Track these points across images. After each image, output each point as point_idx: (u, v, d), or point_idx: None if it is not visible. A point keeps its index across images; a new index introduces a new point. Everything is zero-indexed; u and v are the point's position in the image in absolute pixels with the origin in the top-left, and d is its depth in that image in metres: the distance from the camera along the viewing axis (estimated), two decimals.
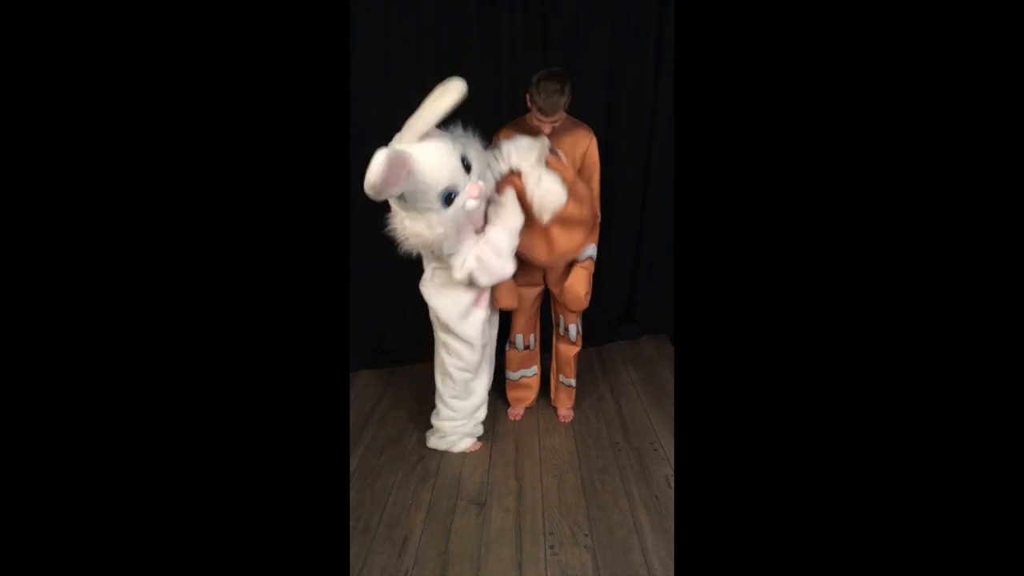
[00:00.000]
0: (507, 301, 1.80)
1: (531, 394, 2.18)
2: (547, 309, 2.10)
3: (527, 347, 2.08)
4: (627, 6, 2.35)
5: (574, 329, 2.02)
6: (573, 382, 2.13)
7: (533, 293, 1.97)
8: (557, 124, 1.68)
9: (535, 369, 2.15)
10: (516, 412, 2.17)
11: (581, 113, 2.47)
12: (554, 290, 1.96)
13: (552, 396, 2.20)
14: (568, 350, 2.07)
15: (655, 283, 2.84)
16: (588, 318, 2.83)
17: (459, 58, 2.25)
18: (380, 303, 2.53)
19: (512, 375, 2.13)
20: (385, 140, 1.91)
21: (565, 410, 2.16)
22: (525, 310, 1.99)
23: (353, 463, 1.87)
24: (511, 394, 2.18)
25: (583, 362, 2.58)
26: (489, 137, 2.55)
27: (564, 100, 1.62)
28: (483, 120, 2.46)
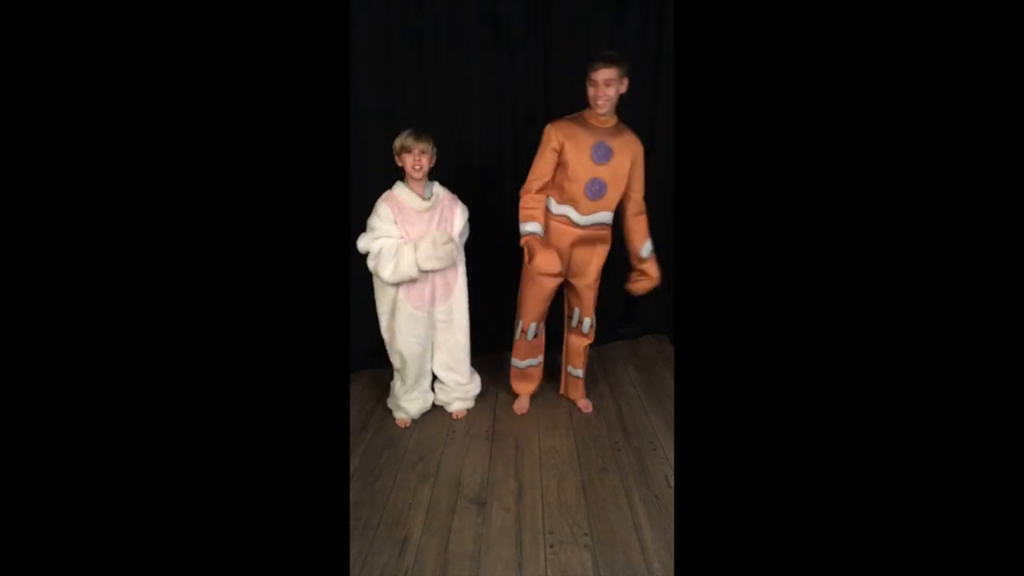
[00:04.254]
0: (544, 264, 1.79)
1: (535, 385, 2.21)
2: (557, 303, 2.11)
3: (536, 336, 2.09)
4: (627, 6, 2.35)
5: (588, 322, 2.05)
6: (581, 373, 2.16)
7: (555, 283, 1.97)
8: (604, 108, 1.75)
9: (541, 358, 2.17)
10: (522, 404, 2.18)
11: None
12: (572, 280, 1.99)
13: (562, 389, 2.23)
14: (579, 342, 2.10)
15: None
16: None
17: (459, 58, 2.25)
18: None
19: (520, 364, 2.15)
20: (385, 140, 1.92)
21: (584, 401, 2.19)
22: (544, 299, 1.99)
23: (353, 463, 1.87)
24: (517, 383, 2.19)
25: None
26: (495, 137, 2.53)
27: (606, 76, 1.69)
28: (482, 119, 2.45)
